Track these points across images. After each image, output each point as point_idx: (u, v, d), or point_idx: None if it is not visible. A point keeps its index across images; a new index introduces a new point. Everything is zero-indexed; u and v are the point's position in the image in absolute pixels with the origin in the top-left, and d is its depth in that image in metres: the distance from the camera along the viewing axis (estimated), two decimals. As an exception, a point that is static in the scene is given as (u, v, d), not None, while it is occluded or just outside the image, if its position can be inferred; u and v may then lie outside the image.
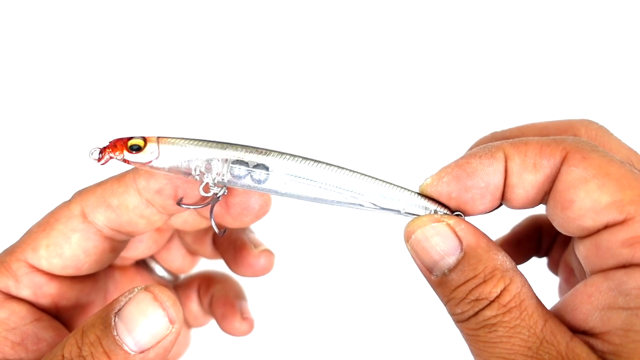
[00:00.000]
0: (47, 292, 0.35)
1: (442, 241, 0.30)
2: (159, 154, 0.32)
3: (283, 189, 0.33)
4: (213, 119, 0.70)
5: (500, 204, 0.33)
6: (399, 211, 0.33)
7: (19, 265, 0.34)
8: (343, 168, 0.33)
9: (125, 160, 0.32)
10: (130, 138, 0.32)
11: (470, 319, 0.29)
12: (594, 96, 0.69)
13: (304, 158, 0.33)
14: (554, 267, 0.42)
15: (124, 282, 0.42)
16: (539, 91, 0.71)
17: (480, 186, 0.31)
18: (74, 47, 0.72)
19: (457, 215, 0.32)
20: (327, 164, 0.33)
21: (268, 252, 0.41)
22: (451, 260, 0.30)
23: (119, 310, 0.29)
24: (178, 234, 0.44)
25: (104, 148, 0.32)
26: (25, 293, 0.34)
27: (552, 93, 0.70)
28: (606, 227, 0.28)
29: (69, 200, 0.35)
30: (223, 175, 0.33)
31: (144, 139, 0.33)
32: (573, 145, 0.29)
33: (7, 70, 0.72)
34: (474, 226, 0.31)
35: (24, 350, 0.33)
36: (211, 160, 0.33)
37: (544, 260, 0.43)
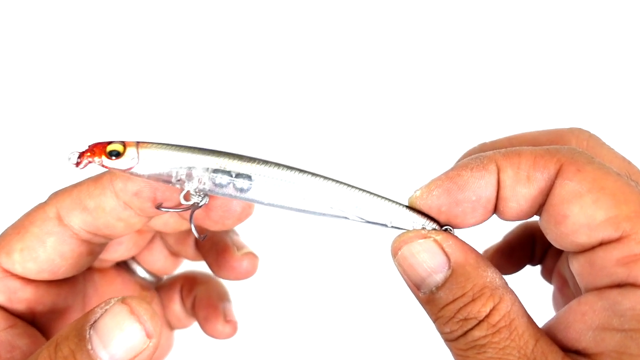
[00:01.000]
0: (22, 297, 0.34)
1: (429, 258, 0.29)
2: (138, 160, 0.31)
3: (266, 199, 0.32)
4: (197, 125, 0.69)
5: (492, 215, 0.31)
6: (385, 225, 0.32)
7: None
8: (329, 178, 0.32)
9: (103, 166, 0.31)
10: (110, 143, 0.32)
11: (459, 338, 0.28)
12: (584, 104, 0.69)
13: (288, 167, 0.32)
14: (547, 275, 0.41)
15: (104, 284, 0.40)
16: (529, 100, 0.70)
17: (472, 199, 0.30)
18: (58, 48, 0.71)
19: (445, 229, 0.31)
20: (313, 173, 0.32)
21: (251, 255, 0.40)
22: (439, 277, 0.29)
23: (94, 322, 0.28)
24: (160, 235, 0.42)
25: (83, 152, 0.31)
26: None
27: (541, 101, 0.70)
28: (601, 244, 0.27)
29: (45, 202, 0.34)
30: (204, 183, 0.32)
31: (123, 144, 0.31)
32: (568, 157, 0.28)
33: None
34: (463, 242, 0.30)
35: None
36: (192, 167, 0.32)
37: (538, 268, 0.42)
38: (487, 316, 0.28)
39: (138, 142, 0.32)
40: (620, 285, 0.27)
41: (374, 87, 0.70)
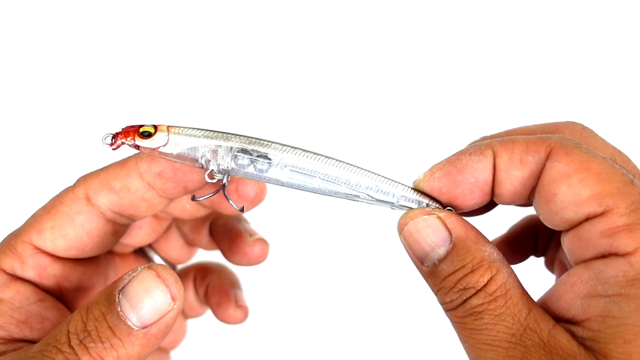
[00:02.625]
0: (51, 273, 0.35)
1: (432, 233, 0.31)
2: (168, 141, 0.34)
3: (284, 179, 0.34)
4: (220, 112, 0.71)
5: (492, 200, 0.33)
6: (392, 204, 0.34)
7: (24, 247, 0.34)
8: (341, 161, 0.34)
9: (136, 146, 0.33)
10: (142, 125, 0.34)
11: (459, 307, 0.30)
12: (581, 100, 0.70)
13: (304, 150, 0.34)
14: (550, 266, 0.43)
15: (124, 268, 0.43)
16: (529, 95, 0.71)
17: (470, 181, 0.32)
18: (78, 38, 0.73)
19: (448, 209, 0.33)
20: (326, 156, 0.34)
21: (262, 241, 0.42)
22: (441, 251, 0.31)
23: (123, 287, 0.29)
24: (176, 223, 0.44)
25: (117, 134, 0.33)
26: (30, 274, 0.35)
27: (540, 97, 0.71)
28: (587, 219, 0.29)
29: (73, 185, 0.36)
30: (228, 163, 0.34)
31: (155, 127, 0.34)
32: (557, 142, 0.30)
33: (10, 60, 0.72)
34: (464, 219, 0.32)
35: (28, 329, 0.33)
36: (216, 149, 0.34)
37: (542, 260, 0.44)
38: (484, 286, 0.29)
39: (168, 126, 0.34)
40: (604, 256, 0.28)
41: (388, 81, 0.72)
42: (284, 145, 0.34)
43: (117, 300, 0.29)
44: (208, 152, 0.34)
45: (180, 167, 0.35)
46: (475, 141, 0.36)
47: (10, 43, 0.71)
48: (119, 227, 0.38)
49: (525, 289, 0.31)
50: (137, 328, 0.29)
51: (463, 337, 0.30)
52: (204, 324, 0.59)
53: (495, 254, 0.31)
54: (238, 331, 0.64)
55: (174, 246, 0.45)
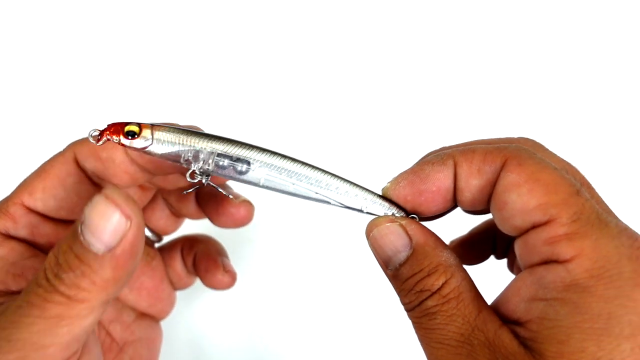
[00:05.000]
0: (42, 232, 0.38)
1: (395, 239, 0.34)
2: (152, 141, 0.35)
3: (261, 182, 0.36)
4: (204, 112, 0.72)
5: (455, 206, 0.36)
6: (361, 210, 0.36)
7: (16, 208, 0.36)
8: (316, 168, 0.36)
9: (120, 144, 0.35)
10: (127, 124, 0.35)
11: (416, 308, 0.33)
12: (536, 118, 0.71)
13: (282, 156, 0.36)
14: (511, 268, 0.45)
15: None
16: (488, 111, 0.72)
17: (432, 190, 0.34)
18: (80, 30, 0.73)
19: (411, 217, 0.36)
20: (303, 162, 0.36)
21: (248, 203, 0.44)
22: (402, 256, 0.33)
23: (83, 219, 0.30)
24: (162, 194, 0.46)
25: (103, 131, 0.35)
26: (22, 233, 0.37)
27: (500, 113, 0.72)
28: (533, 227, 0.31)
29: (63, 150, 0.38)
30: (209, 165, 0.36)
31: (139, 126, 0.35)
32: (512, 153, 0.32)
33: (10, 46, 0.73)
34: (424, 227, 0.35)
35: (24, 281, 0.36)
36: (199, 150, 0.35)
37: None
38: (439, 289, 0.32)
39: (152, 125, 0.35)
40: (546, 262, 0.30)
41: (358, 91, 0.73)
42: (263, 149, 0.36)
43: (79, 230, 0.30)
44: (190, 154, 0.36)
45: (167, 164, 0.37)
46: (435, 150, 0.38)
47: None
48: None
49: (480, 291, 0.33)
50: (101, 252, 0.30)
51: (420, 335, 0.33)
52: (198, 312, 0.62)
53: (451, 259, 0.33)
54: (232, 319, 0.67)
55: (160, 216, 0.47)
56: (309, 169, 0.36)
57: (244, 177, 0.36)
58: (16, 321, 0.30)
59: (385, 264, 0.34)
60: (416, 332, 0.33)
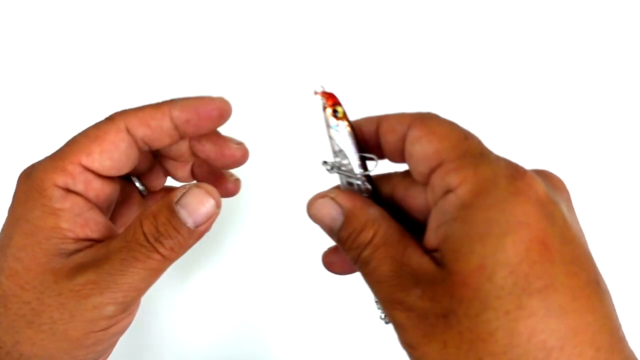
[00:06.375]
0: (94, 187, 0.43)
1: (330, 210, 0.40)
2: (339, 131, 0.41)
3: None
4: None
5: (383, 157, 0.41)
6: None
7: (74, 167, 0.41)
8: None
9: (324, 109, 0.41)
10: (340, 104, 0.40)
11: (357, 260, 0.38)
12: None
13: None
14: None
15: (124, 186, 0.51)
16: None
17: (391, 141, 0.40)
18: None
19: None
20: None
21: (238, 180, 0.52)
22: (339, 222, 0.39)
23: (178, 200, 0.40)
24: (160, 159, 0.52)
25: (326, 93, 0.41)
26: (79, 188, 0.42)
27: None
28: (432, 171, 0.36)
29: (112, 119, 0.43)
30: (341, 172, 0.41)
31: (344, 114, 0.41)
32: (417, 115, 0.38)
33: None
34: (351, 193, 0.40)
35: (89, 230, 0.42)
36: (349, 160, 0.41)
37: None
38: (370, 240, 0.37)
39: (349, 121, 0.41)
40: (444, 194, 0.35)
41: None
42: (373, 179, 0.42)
43: (176, 209, 0.40)
44: (342, 157, 0.41)
45: (201, 118, 0.43)
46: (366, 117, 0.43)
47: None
48: (144, 154, 0.48)
49: (407, 233, 0.38)
50: (193, 228, 0.40)
51: (365, 280, 0.38)
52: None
53: (377, 214, 0.38)
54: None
55: (156, 176, 0.53)
56: None
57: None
58: (123, 270, 0.39)
59: (329, 231, 0.40)
60: (363, 278, 0.39)
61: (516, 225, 0.32)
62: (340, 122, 0.41)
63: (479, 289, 0.31)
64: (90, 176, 0.42)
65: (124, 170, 0.44)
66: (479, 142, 0.36)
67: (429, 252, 0.36)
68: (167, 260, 0.41)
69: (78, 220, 0.41)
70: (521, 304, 0.30)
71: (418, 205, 0.41)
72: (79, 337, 0.39)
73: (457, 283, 0.32)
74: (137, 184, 0.52)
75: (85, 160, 0.41)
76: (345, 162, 0.41)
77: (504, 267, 0.31)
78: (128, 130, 0.42)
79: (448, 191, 0.35)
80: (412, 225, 0.41)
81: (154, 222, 0.40)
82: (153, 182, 0.53)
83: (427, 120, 0.37)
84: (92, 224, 0.42)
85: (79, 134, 0.42)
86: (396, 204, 0.43)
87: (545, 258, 0.31)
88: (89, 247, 0.41)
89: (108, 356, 0.44)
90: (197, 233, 0.41)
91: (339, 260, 0.45)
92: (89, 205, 0.42)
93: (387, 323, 0.38)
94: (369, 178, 0.42)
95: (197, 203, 0.40)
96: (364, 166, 0.41)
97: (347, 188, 0.42)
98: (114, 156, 0.42)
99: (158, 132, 0.43)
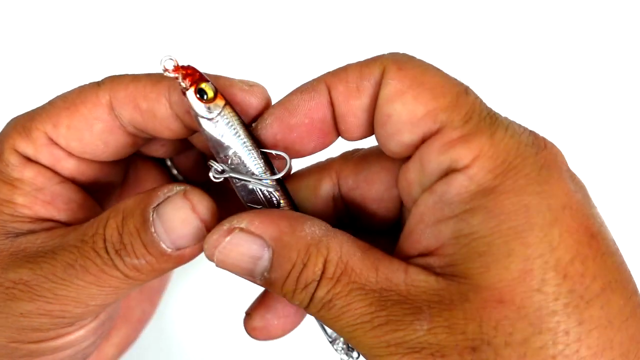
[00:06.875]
0: (65, 167, 0.34)
1: (245, 249, 0.28)
2: (217, 117, 0.30)
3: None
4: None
5: (337, 138, 0.31)
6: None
7: (38, 134, 0.33)
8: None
9: (183, 92, 0.30)
10: (206, 80, 0.30)
11: (309, 304, 0.28)
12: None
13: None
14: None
15: (144, 171, 0.41)
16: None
17: (305, 123, 0.30)
18: None
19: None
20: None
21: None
22: (265, 262, 0.28)
23: (158, 205, 0.29)
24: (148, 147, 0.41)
25: (180, 67, 0.30)
26: (45, 161, 0.34)
27: None
28: (423, 140, 0.27)
29: (99, 85, 0.33)
30: (236, 181, 0.31)
31: (216, 93, 0.30)
32: (390, 59, 0.28)
33: None
34: (269, 211, 0.30)
35: (55, 209, 0.33)
36: (245, 162, 0.30)
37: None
38: (322, 273, 0.27)
39: (227, 103, 0.30)
40: (445, 175, 0.27)
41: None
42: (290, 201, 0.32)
43: (151, 219, 0.29)
44: (235, 158, 0.30)
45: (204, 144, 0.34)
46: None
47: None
48: (139, 139, 0.35)
49: (365, 242, 0.29)
50: (170, 250, 0.29)
51: (333, 329, 0.28)
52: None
53: (317, 231, 0.28)
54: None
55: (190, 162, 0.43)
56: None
57: (247, 197, 0.32)
58: (66, 280, 0.30)
59: (252, 278, 0.29)
60: (327, 326, 0.29)
61: (559, 211, 0.25)
62: (212, 106, 0.29)
63: (526, 304, 0.24)
64: (58, 152, 0.34)
65: (107, 157, 0.35)
66: (480, 99, 0.28)
67: (410, 259, 0.28)
68: (132, 281, 0.30)
69: (39, 196, 0.33)
70: (582, 317, 0.24)
71: (376, 193, 0.32)
72: (3, 344, 0.31)
73: (490, 300, 0.24)
74: (174, 171, 0.42)
75: (51, 132, 0.33)
76: (236, 160, 0.30)
77: (556, 271, 0.24)
78: (112, 108, 0.33)
79: (451, 170, 0.27)
80: (362, 229, 0.33)
81: (120, 228, 0.30)
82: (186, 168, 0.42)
83: (405, 65, 0.28)
84: (60, 202, 0.34)
85: (61, 95, 0.34)
86: (336, 202, 0.33)
87: (595, 250, 0.25)
88: (48, 230, 0.33)
89: None
90: (179, 258, 0.30)
91: (273, 317, 0.34)
92: (59, 178, 0.34)
93: None
94: (279, 182, 0.31)
95: (177, 220, 0.29)
96: (269, 166, 0.31)
97: (250, 200, 0.31)
98: (85, 137, 0.33)
99: (151, 119, 0.32)
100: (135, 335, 0.47)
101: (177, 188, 0.30)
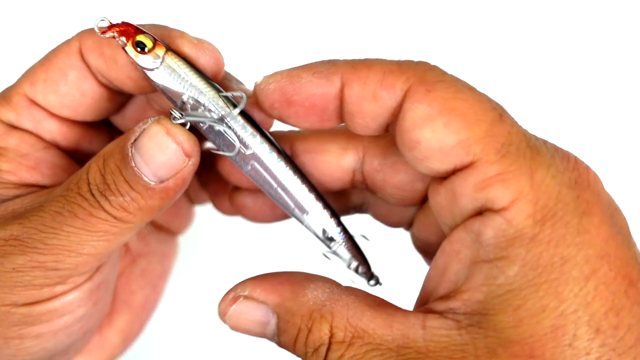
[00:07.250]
0: (47, 129, 0.34)
1: (251, 316, 0.29)
2: (160, 65, 0.30)
3: (245, 169, 0.32)
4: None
5: (338, 124, 0.31)
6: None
7: (18, 98, 0.33)
8: (307, 187, 0.33)
9: (124, 50, 0.30)
10: (142, 32, 0.30)
11: None
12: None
13: (284, 159, 0.32)
14: (418, 241, 0.37)
15: None
16: None
17: (305, 105, 0.29)
18: None
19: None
20: (293, 171, 0.32)
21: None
22: (272, 327, 0.29)
23: (135, 140, 0.29)
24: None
25: (113, 25, 0.30)
26: (26, 125, 0.34)
27: None
28: (455, 171, 0.26)
29: (70, 39, 0.33)
30: (203, 124, 0.30)
31: (154, 43, 0.30)
32: (418, 76, 0.27)
33: None
34: (272, 276, 0.30)
35: (39, 175, 0.34)
36: (204, 105, 0.30)
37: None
38: (331, 337, 0.27)
39: (168, 50, 0.30)
40: (481, 213, 0.26)
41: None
42: (271, 142, 0.32)
43: (130, 154, 0.29)
44: (191, 101, 0.30)
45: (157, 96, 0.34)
46: (329, 60, 0.31)
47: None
48: (115, 94, 0.35)
49: (374, 295, 0.28)
50: (153, 183, 0.29)
51: None
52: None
53: (320, 294, 0.28)
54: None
55: None
56: (299, 185, 0.33)
57: (229, 153, 0.32)
58: (56, 228, 0.30)
59: (266, 338, 0.30)
60: None
61: (597, 263, 0.24)
62: (153, 56, 0.30)
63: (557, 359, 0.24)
64: (39, 113, 0.34)
65: (86, 112, 0.35)
66: (517, 124, 0.27)
67: (431, 302, 0.27)
68: (121, 223, 0.30)
69: (24, 162, 0.33)
70: None
71: (399, 182, 0.31)
72: None
73: (520, 355, 0.24)
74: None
75: (30, 91, 0.33)
76: (195, 105, 0.30)
77: (589, 325, 0.24)
78: (82, 55, 0.33)
79: (487, 209, 0.25)
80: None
81: (102, 169, 0.29)
82: None
83: (435, 87, 0.26)
84: (44, 168, 0.34)
85: (39, 59, 0.34)
86: (355, 174, 0.33)
87: (633, 299, 0.25)
88: (32, 192, 0.33)
89: None
90: (164, 191, 0.29)
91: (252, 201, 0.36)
92: (43, 144, 0.34)
93: None
94: (250, 121, 0.31)
95: (154, 147, 0.29)
96: (233, 106, 0.31)
97: (222, 144, 0.31)
98: (61, 89, 0.33)
99: (113, 66, 0.32)
100: (140, 324, 0.46)
101: (152, 119, 0.29)
